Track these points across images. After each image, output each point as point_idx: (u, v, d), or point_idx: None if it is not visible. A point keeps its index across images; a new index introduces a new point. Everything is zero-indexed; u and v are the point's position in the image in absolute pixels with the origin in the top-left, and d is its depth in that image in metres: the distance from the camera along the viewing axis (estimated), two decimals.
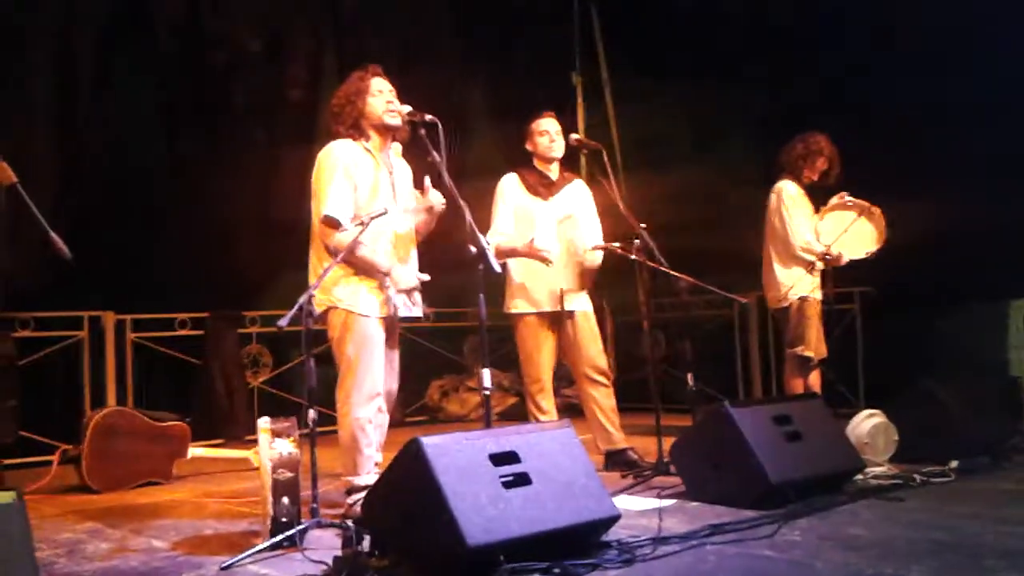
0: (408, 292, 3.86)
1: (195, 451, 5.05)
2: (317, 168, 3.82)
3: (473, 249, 3.49)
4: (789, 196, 5.28)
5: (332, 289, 3.75)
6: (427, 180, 3.83)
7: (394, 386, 4.00)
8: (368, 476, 3.70)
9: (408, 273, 3.84)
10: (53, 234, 2.80)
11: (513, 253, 4.68)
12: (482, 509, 2.71)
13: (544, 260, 4.56)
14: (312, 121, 6.63)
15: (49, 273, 5.39)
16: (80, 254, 5.53)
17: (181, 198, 6.45)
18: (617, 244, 4.69)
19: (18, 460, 5.38)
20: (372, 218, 3.61)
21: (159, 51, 6.46)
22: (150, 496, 4.51)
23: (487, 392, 3.45)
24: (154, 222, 6.32)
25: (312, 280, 3.71)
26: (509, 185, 4.84)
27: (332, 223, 3.68)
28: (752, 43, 6.95)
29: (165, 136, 6.62)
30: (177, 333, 6.46)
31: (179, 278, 6.42)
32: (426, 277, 3.90)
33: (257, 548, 3.07)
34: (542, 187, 4.81)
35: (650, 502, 3.75)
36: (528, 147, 4.87)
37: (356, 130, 3.87)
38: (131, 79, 6.33)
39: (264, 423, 3.29)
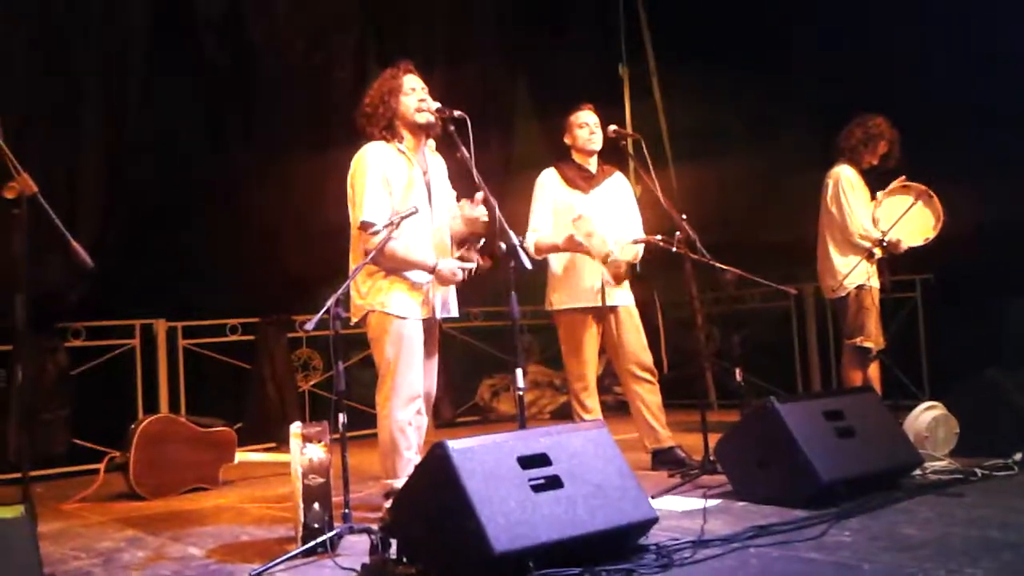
0: (454, 284, 3.78)
1: (243, 456, 5.07)
2: (352, 173, 3.79)
3: (503, 246, 3.41)
4: (847, 181, 5.10)
5: (370, 292, 3.72)
6: (479, 195, 3.75)
7: (433, 388, 3.95)
8: (406, 479, 3.64)
9: (452, 263, 3.75)
10: (74, 243, 2.79)
11: (554, 249, 4.60)
12: (510, 514, 2.62)
13: (586, 251, 4.46)
14: (352, 125, 6.61)
15: (101, 284, 5.50)
16: (131, 262, 5.68)
17: (230, 204, 6.49)
18: (659, 237, 4.56)
19: (70, 469, 5.46)
20: (403, 217, 3.55)
21: (204, 59, 6.51)
22: (195, 502, 4.52)
23: (520, 392, 3.37)
24: (203, 228, 6.38)
25: (352, 284, 3.68)
26: (548, 180, 4.76)
27: (368, 227, 3.63)
28: (803, 29, 6.74)
29: (212, 143, 6.68)
30: (228, 339, 6.51)
31: (229, 284, 6.47)
32: (470, 265, 3.79)
33: (287, 556, 3.03)
34: (581, 180, 4.71)
35: (695, 502, 3.62)
36: (567, 140, 4.78)
37: (390, 131, 3.82)
38: (178, 87, 6.40)
39: (295, 428, 3.26)
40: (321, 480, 3.18)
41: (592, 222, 4.46)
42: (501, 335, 7.91)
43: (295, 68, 6.80)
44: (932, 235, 4.98)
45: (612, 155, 4.96)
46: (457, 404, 7.59)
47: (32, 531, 2.03)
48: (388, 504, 3.65)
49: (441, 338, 4.04)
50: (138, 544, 3.55)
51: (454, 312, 3.94)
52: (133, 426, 4.77)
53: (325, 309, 3.27)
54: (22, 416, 2.95)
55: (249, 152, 6.56)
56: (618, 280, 4.56)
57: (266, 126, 6.67)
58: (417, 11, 7.46)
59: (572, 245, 4.49)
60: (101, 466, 4.77)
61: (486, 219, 3.73)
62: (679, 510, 3.53)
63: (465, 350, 7.48)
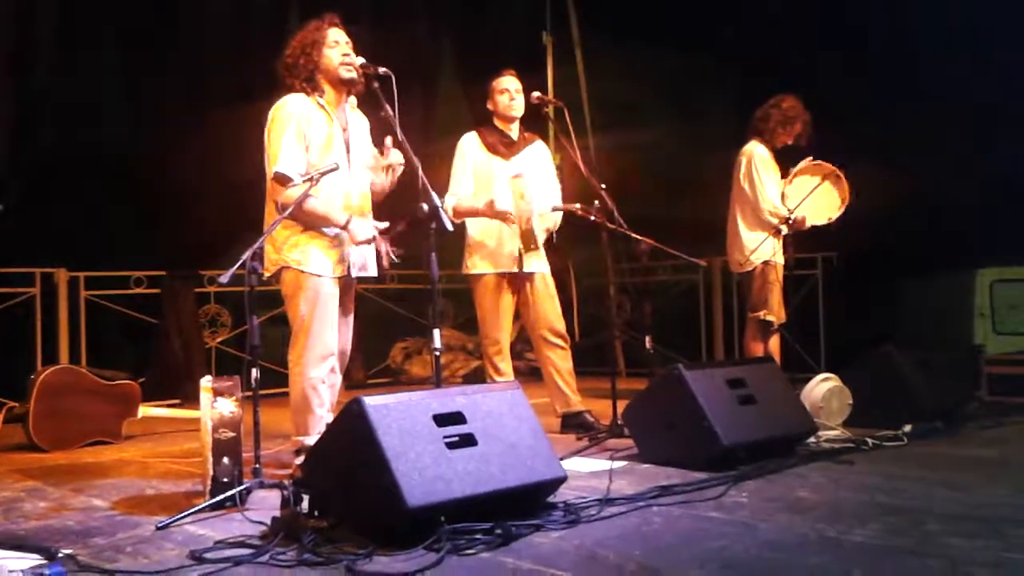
0: (366, 244, 3.75)
1: (146, 411, 4.97)
2: (269, 123, 3.71)
3: (425, 207, 3.41)
4: (760, 158, 5.24)
5: (284, 248, 3.67)
6: (388, 140, 3.73)
7: (347, 346, 3.93)
8: (318, 436, 3.64)
9: (366, 224, 3.74)
10: None
11: (474, 213, 4.62)
12: (424, 470, 2.66)
13: (506, 220, 4.50)
14: (273, 76, 6.47)
15: (2, 228, 5.28)
16: (34, 210, 5.47)
17: (139, 155, 6.28)
18: (577, 205, 4.62)
19: None
20: (322, 173, 3.51)
21: (116, 5, 6.26)
22: (97, 456, 4.43)
23: (437, 352, 3.40)
24: (111, 179, 6.16)
25: (267, 238, 3.62)
26: (469, 144, 4.76)
27: (282, 180, 3.58)
28: (724, 5, 6.87)
29: (124, 91, 6.45)
30: (132, 291, 6.34)
31: (136, 236, 6.30)
32: (383, 225, 3.79)
33: (196, 508, 3.01)
34: (502, 146, 4.73)
35: (602, 464, 3.72)
36: (489, 106, 4.79)
37: (311, 84, 3.75)
38: (90, 35, 6.15)
39: (206, 382, 3.21)
40: (232, 434, 3.15)
41: (528, 185, 4.49)
42: (415, 298, 7.91)
43: (213, 16, 6.60)
44: (836, 215, 5.17)
45: (533, 122, 4.98)
46: (368, 366, 7.58)
47: None
48: (299, 461, 3.65)
49: (356, 298, 4.02)
50: (38, 495, 3.47)
51: (372, 272, 3.91)
52: (33, 376, 4.63)
53: (240, 263, 3.22)
54: None
55: (162, 101, 6.37)
56: (527, 246, 4.60)
57: (180, 75, 6.47)
58: None
59: (492, 211, 4.52)
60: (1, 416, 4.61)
61: (402, 162, 3.72)
62: (586, 471, 3.63)
63: (378, 311, 7.44)
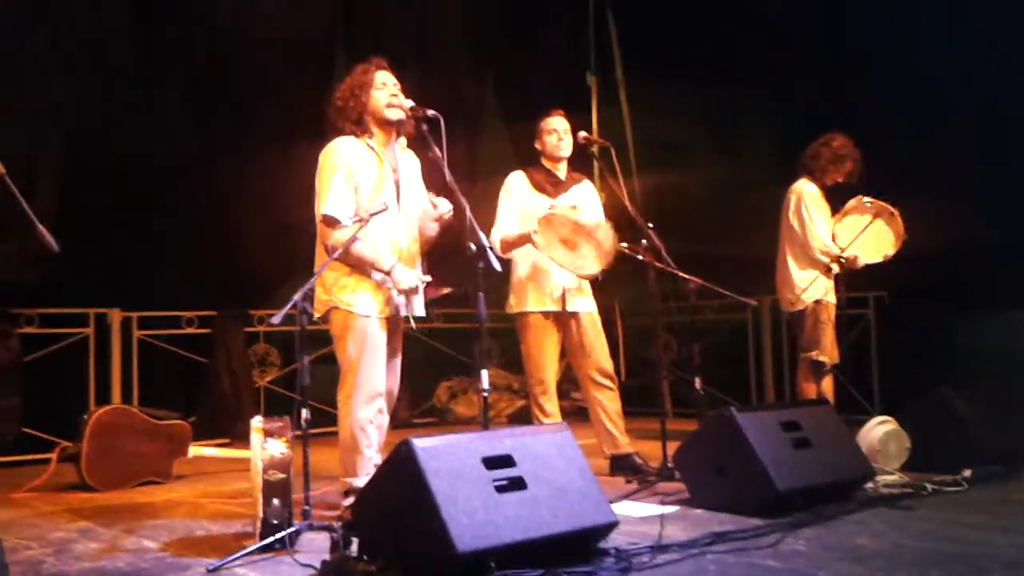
0: (408, 293, 3.77)
1: (197, 450, 5.00)
2: (319, 166, 3.76)
3: (473, 247, 3.42)
4: (809, 196, 5.19)
5: (333, 289, 3.70)
6: (432, 197, 3.77)
7: (395, 387, 3.93)
8: (367, 478, 3.62)
9: (410, 274, 3.76)
10: (39, 226, 2.74)
11: (519, 241, 4.59)
12: (473, 514, 2.63)
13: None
14: (322, 119, 6.57)
15: (56, 270, 5.39)
16: (86, 251, 5.58)
17: (190, 196, 6.40)
18: (624, 245, 4.60)
19: (21, 457, 5.37)
20: (372, 215, 3.54)
21: (168, 49, 6.43)
22: (148, 495, 4.46)
23: (485, 393, 3.38)
24: (163, 220, 6.27)
25: (316, 280, 3.65)
26: (516, 183, 4.78)
27: (330, 222, 3.62)
28: (769, 44, 6.85)
29: (175, 134, 6.58)
30: (184, 331, 6.43)
31: (187, 276, 6.39)
32: (427, 278, 3.81)
33: (246, 551, 3.00)
34: (549, 185, 4.74)
35: (653, 508, 3.66)
36: (536, 146, 4.81)
37: (359, 126, 3.80)
38: (143, 76, 6.30)
39: (257, 423, 3.22)
40: (282, 476, 3.16)
41: (566, 207, 4.50)
42: (459, 337, 7.91)
43: (264, 62, 6.75)
44: (891, 252, 5.08)
45: (579, 163, 4.99)
46: (413, 405, 7.57)
47: None
48: (347, 502, 3.64)
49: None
50: (90, 535, 3.49)
51: (419, 311, 3.92)
52: (86, 416, 4.69)
53: (292, 304, 3.24)
54: None
55: (214, 144, 6.48)
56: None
57: (232, 119, 6.60)
58: (389, 11, 7.44)
59: (533, 241, 4.50)
60: (53, 456, 4.68)
61: (451, 209, 3.74)
62: (637, 516, 3.56)
63: (423, 351, 7.45)
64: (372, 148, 3.79)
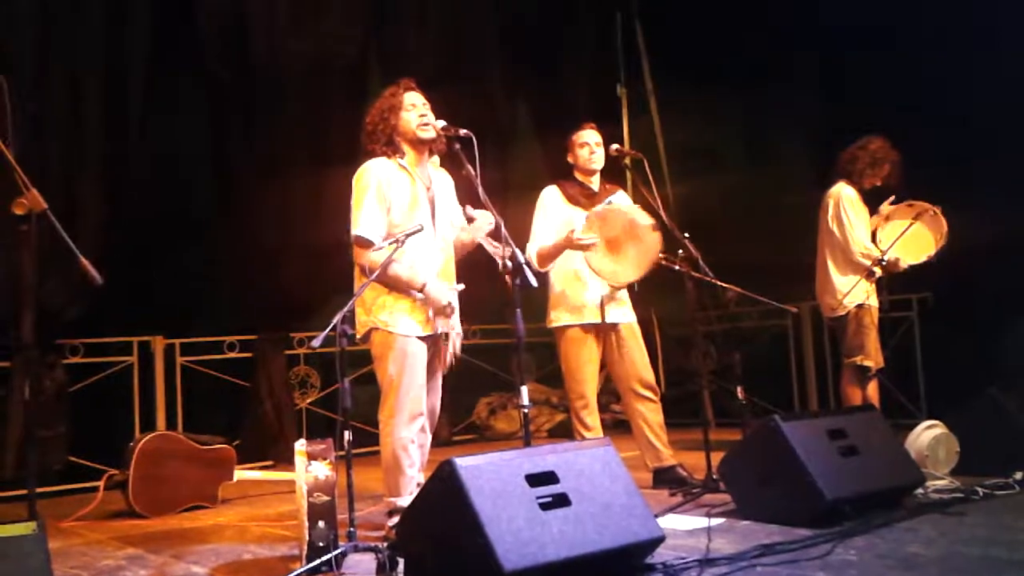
0: (443, 311, 3.77)
1: (241, 474, 5.04)
2: (353, 188, 3.79)
3: (509, 263, 3.42)
4: (848, 200, 5.13)
5: (373, 309, 3.72)
6: (468, 209, 3.77)
7: (437, 405, 3.94)
8: (410, 497, 3.63)
9: (444, 289, 3.77)
10: (83, 259, 2.79)
11: (556, 250, 4.58)
12: (518, 532, 2.62)
13: (586, 247, 4.45)
14: (357, 140, 6.62)
15: (98, 300, 5.47)
16: (130, 280, 5.66)
17: (229, 222, 6.49)
18: (661, 255, 4.57)
19: (67, 486, 5.44)
20: (408, 235, 3.55)
21: (206, 76, 6.52)
22: (195, 521, 4.50)
23: (526, 410, 3.37)
24: (202, 246, 6.36)
25: (356, 300, 3.67)
26: (550, 197, 4.77)
27: (363, 243, 3.65)
28: (800, 49, 6.80)
29: (212, 160, 6.67)
30: (226, 356, 6.49)
31: (228, 301, 6.47)
32: (461, 287, 3.82)
33: (293, 574, 3.01)
34: (583, 198, 4.73)
35: (699, 521, 3.61)
36: (569, 159, 4.80)
37: (391, 147, 3.83)
38: (178, 103, 6.41)
39: (300, 446, 3.25)
40: (326, 498, 3.17)
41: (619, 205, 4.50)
42: (497, 352, 7.91)
43: (296, 86, 6.83)
44: (933, 253, 5.01)
45: (612, 175, 4.98)
46: (453, 423, 7.57)
47: (45, 547, 2.01)
48: (391, 522, 3.64)
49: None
50: (139, 562, 3.53)
51: (457, 328, 3.93)
52: (132, 444, 4.74)
53: (332, 326, 3.26)
54: (27, 432, 2.92)
55: (249, 169, 6.56)
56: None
57: (267, 144, 6.67)
58: (417, 30, 7.50)
59: (573, 242, 4.48)
60: (100, 484, 4.74)
61: (491, 223, 3.74)
62: (683, 529, 3.53)
63: (461, 367, 7.43)
64: (404, 168, 3.81)
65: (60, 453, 5.47)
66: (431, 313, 3.75)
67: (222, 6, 6.50)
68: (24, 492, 4.05)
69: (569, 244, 4.49)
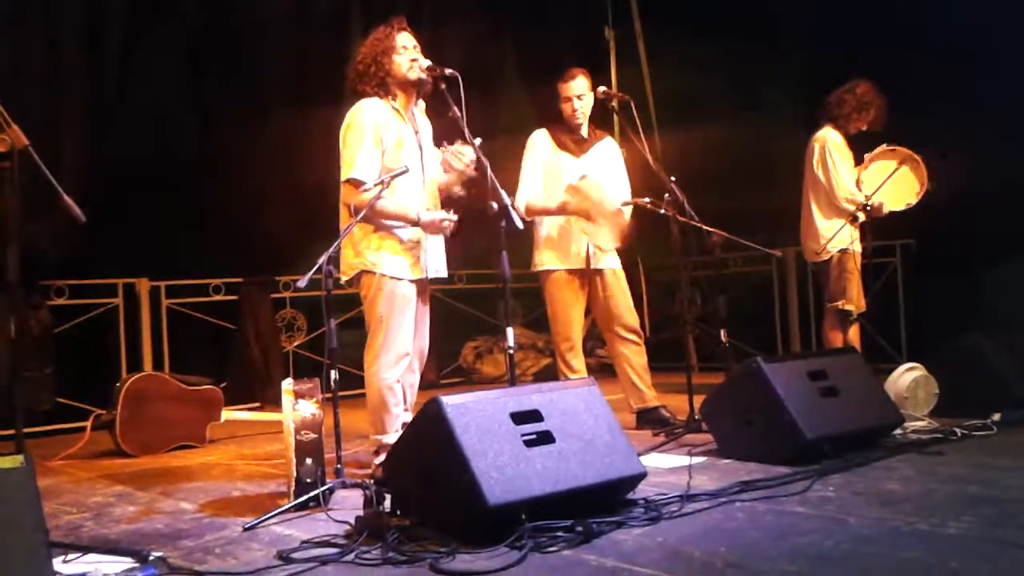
0: (439, 231, 3.77)
1: (228, 414, 5.08)
2: (345, 128, 3.74)
3: (495, 206, 3.41)
4: (834, 144, 5.13)
5: (363, 252, 3.71)
6: (457, 146, 3.75)
7: (425, 346, 3.96)
8: (396, 435, 3.67)
9: (436, 214, 3.74)
10: (66, 197, 2.77)
11: (547, 212, 4.61)
12: (503, 468, 2.66)
13: (582, 213, 4.49)
14: (341, 81, 6.54)
15: (82, 242, 5.45)
16: (110, 221, 5.63)
17: (214, 164, 6.42)
18: (647, 200, 4.58)
19: (54, 427, 5.48)
20: (393, 176, 3.54)
21: (185, 16, 6.42)
22: (182, 460, 4.54)
23: (511, 351, 3.39)
24: (187, 189, 6.30)
25: (343, 242, 3.66)
26: (539, 141, 4.75)
27: (356, 184, 3.62)
28: None
29: (195, 102, 6.59)
30: (211, 299, 6.49)
31: (212, 244, 6.43)
32: (454, 216, 3.78)
33: (281, 509, 3.06)
34: (572, 143, 4.71)
35: (681, 460, 3.68)
36: (560, 108, 4.75)
37: (383, 88, 3.78)
38: (159, 46, 6.30)
39: (287, 385, 3.27)
40: (313, 436, 3.20)
41: (597, 184, 4.51)
42: (483, 297, 7.94)
43: (277, 26, 6.72)
44: (914, 200, 5.03)
45: (599, 117, 4.94)
46: (440, 366, 7.62)
47: (33, 481, 2.03)
48: (378, 460, 3.69)
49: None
50: (128, 499, 3.57)
51: (443, 273, 3.94)
52: (119, 384, 4.76)
53: (317, 267, 3.27)
54: (13, 372, 2.92)
55: (232, 111, 6.49)
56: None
57: (249, 86, 6.60)
58: None
59: (564, 212, 4.52)
60: (87, 424, 4.76)
61: (471, 159, 3.72)
62: (666, 467, 3.59)
63: (447, 311, 7.48)
64: (397, 111, 3.77)
65: (47, 394, 5.49)
66: (421, 255, 3.75)
67: None
68: (11, 432, 4.09)
69: (563, 211, 4.50)
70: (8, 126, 2.73)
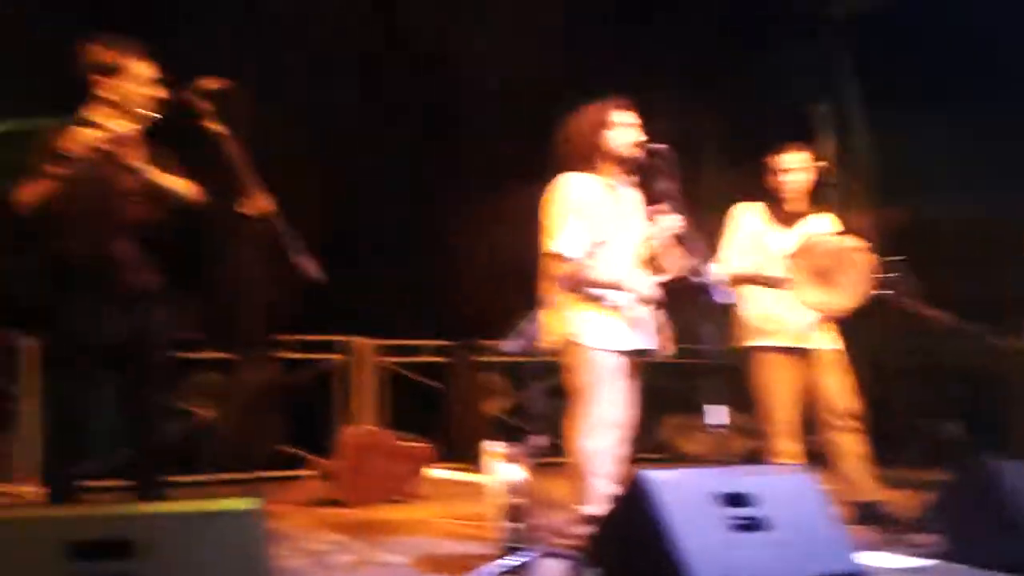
0: (648, 301, 3.76)
1: (435, 472, 5.25)
2: (549, 200, 3.81)
3: (695, 279, 3.36)
4: None
5: (565, 321, 3.75)
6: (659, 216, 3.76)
7: (633, 419, 3.91)
8: (595, 507, 3.63)
9: (644, 278, 3.72)
10: (304, 257, 2.99)
11: (752, 280, 4.49)
12: (711, 551, 2.59)
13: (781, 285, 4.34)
14: (546, 154, 6.71)
15: (304, 300, 5.84)
16: (335, 282, 6.01)
17: (430, 234, 6.77)
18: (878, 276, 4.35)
19: (274, 473, 5.82)
20: (596, 246, 3.57)
21: (406, 88, 6.86)
22: (391, 513, 4.72)
23: (719, 429, 3.31)
24: (397, 254, 6.65)
25: (547, 312, 3.72)
26: (745, 214, 4.64)
27: (559, 256, 3.67)
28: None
29: (417, 173, 6.97)
30: (422, 359, 6.78)
31: (425, 307, 6.72)
32: (665, 277, 3.75)
33: (487, 571, 3.10)
34: (782, 218, 4.58)
35: (905, 561, 3.42)
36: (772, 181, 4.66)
37: (588, 163, 3.84)
38: (383, 118, 6.74)
39: (495, 448, 3.34)
40: (519, 500, 3.25)
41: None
42: (680, 373, 7.76)
43: (495, 102, 7.03)
44: None
45: (815, 195, 4.79)
46: (638, 442, 7.50)
47: (265, 522, 2.17)
48: (577, 530, 3.66)
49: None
50: (344, 548, 3.74)
51: (652, 345, 3.89)
52: (343, 436, 5.05)
53: (521, 333, 3.33)
54: (249, 421, 3.16)
55: (455, 184, 6.82)
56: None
57: (468, 160, 6.92)
58: (610, 47, 7.55)
59: (767, 280, 4.39)
60: (313, 472, 5.06)
61: (680, 224, 3.70)
62: (888, 567, 3.35)
63: (646, 385, 7.38)
64: (603, 185, 3.81)
65: (271, 440, 5.87)
66: (626, 325, 3.74)
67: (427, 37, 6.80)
68: (238, 476, 4.41)
69: (769, 281, 4.38)
70: (257, 191, 2.98)
